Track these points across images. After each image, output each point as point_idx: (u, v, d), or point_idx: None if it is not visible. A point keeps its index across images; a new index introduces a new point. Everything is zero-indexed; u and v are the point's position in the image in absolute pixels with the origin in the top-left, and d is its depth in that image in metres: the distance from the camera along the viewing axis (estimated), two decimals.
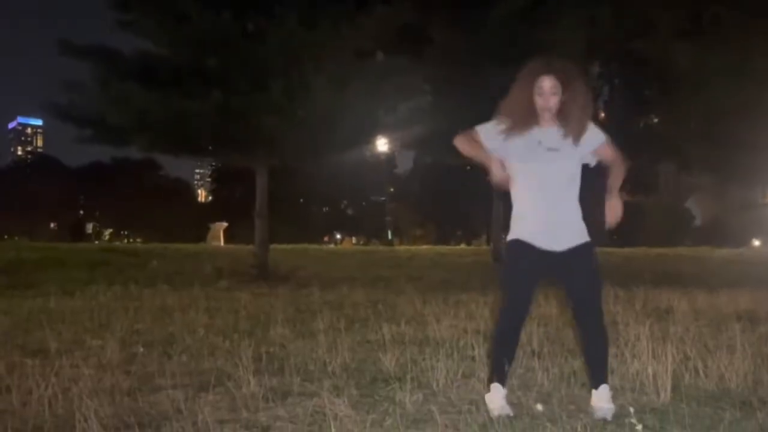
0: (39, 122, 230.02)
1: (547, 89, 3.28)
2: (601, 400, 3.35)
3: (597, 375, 3.41)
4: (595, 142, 3.40)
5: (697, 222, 53.87)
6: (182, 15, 12.61)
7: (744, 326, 5.93)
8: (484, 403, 3.50)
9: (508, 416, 3.28)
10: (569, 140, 3.32)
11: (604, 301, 3.47)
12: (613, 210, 3.42)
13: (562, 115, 3.31)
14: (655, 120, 21.15)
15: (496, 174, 3.40)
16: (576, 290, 3.40)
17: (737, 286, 9.93)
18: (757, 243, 42.49)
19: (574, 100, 3.29)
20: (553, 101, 3.29)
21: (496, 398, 3.39)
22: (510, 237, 3.46)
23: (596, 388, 3.38)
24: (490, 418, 3.24)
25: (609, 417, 3.25)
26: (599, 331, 3.41)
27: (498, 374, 3.43)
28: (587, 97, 3.37)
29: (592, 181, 3.43)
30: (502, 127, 3.39)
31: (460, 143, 3.49)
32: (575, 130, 3.31)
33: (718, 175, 21.58)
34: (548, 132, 3.34)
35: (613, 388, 3.85)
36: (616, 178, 3.46)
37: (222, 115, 12.32)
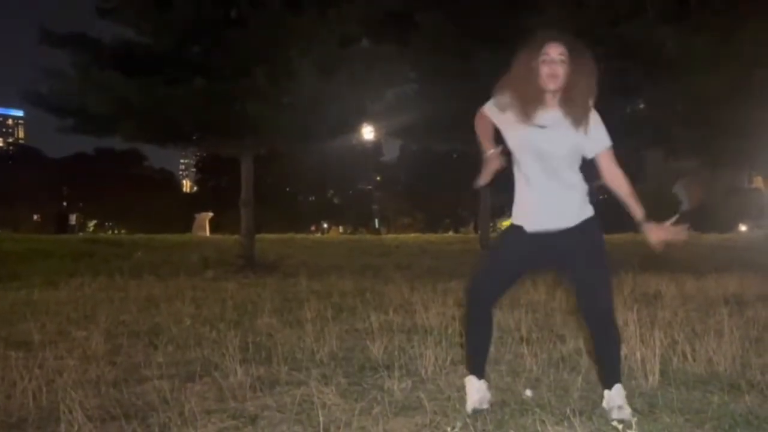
0: (20, 113, 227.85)
1: (556, 55, 3.00)
2: (615, 399, 3.07)
3: (608, 374, 3.14)
4: (596, 145, 3.12)
5: (684, 207, 54.17)
6: (163, 2, 12.48)
7: (731, 310, 5.95)
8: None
9: (482, 410, 3.14)
10: (570, 121, 3.05)
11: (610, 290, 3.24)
12: (657, 232, 3.09)
13: (565, 94, 3.04)
14: (642, 105, 21.15)
15: (488, 160, 3.21)
16: (577, 276, 3.12)
17: (724, 271, 9.97)
18: (743, 228, 42.77)
19: (581, 77, 3.02)
20: (561, 70, 3.00)
21: (471, 391, 3.23)
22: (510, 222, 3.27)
23: (609, 388, 3.10)
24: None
25: (628, 417, 2.94)
26: (607, 326, 3.10)
27: (472, 364, 3.27)
28: (594, 77, 3.08)
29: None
30: (504, 101, 3.16)
31: (477, 123, 3.31)
32: (578, 112, 3.04)
33: (705, 160, 21.64)
34: (550, 114, 3.07)
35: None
36: (623, 194, 3.15)
37: (205, 102, 12.22)
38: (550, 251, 3.14)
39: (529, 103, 3.07)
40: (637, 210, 3.14)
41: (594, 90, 3.08)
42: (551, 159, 3.09)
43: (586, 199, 3.19)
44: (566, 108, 3.06)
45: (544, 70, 3.02)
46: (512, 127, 3.15)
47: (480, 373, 3.25)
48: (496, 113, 3.21)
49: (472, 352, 3.29)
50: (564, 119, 3.07)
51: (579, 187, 3.17)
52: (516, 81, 3.10)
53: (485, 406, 3.18)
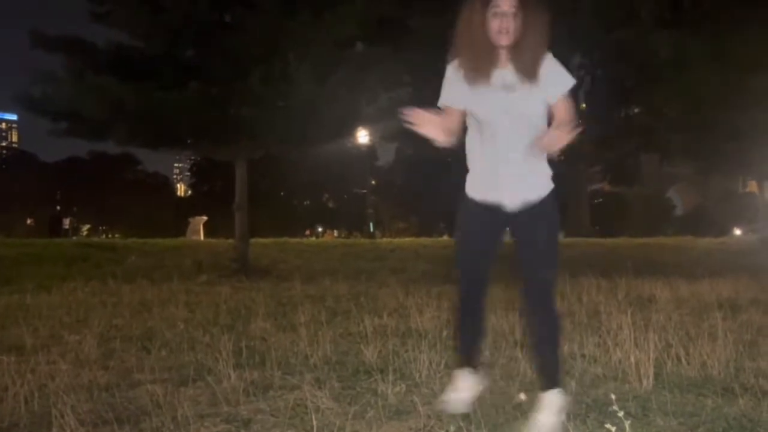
0: (14, 117, 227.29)
1: (507, 7, 2.75)
2: (548, 408, 2.89)
3: (547, 374, 2.95)
4: (555, 89, 2.87)
5: (679, 211, 54.37)
6: (157, 5, 12.47)
7: (725, 314, 5.95)
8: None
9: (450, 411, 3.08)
10: (525, 78, 2.83)
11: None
12: (551, 138, 2.74)
13: (516, 46, 2.80)
14: (637, 110, 21.24)
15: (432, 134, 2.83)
16: (525, 256, 2.93)
17: (719, 275, 9.99)
18: (738, 232, 42.93)
19: (532, 29, 2.78)
20: (513, 24, 2.77)
21: (458, 386, 3.19)
22: (463, 193, 3.05)
23: (544, 390, 2.92)
24: (474, 408, 3.20)
25: None
26: (548, 313, 2.92)
27: (463, 355, 3.19)
28: (545, 26, 2.83)
29: None
30: (460, 73, 2.91)
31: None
32: (529, 62, 2.80)
33: (699, 164, 21.73)
34: (505, 72, 2.85)
35: (595, 377, 3.86)
36: (559, 127, 2.80)
37: (200, 106, 12.21)
38: (511, 227, 2.98)
39: (481, 62, 2.85)
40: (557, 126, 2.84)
41: (546, 42, 2.86)
42: (510, 124, 2.87)
43: (545, 173, 2.99)
44: (517, 63, 2.83)
45: (495, 24, 2.79)
46: (475, 94, 2.91)
47: (472, 363, 3.20)
48: (462, 96, 2.95)
49: (463, 341, 3.19)
50: (520, 77, 2.85)
51: (539, 159, 2.94)
52: (465, 38, 2.87)
53: (458, 407, 3.13)
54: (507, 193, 2.93)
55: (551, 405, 2.91)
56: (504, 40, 2.80)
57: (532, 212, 2.93)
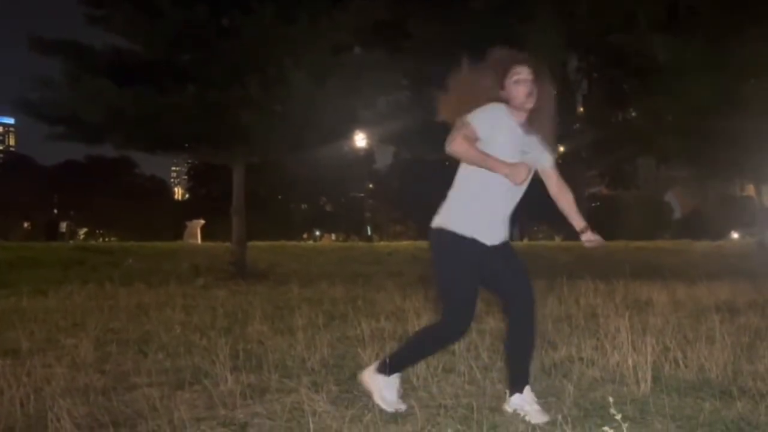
0: (11, 121, 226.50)
1: (527, 75, 3.02)
2: (530, 401, 3.16)
3: (522, 377, 3.20)
4: (552, 155, 3.24)
5: (677, 215, 54.41)
6: (155, 10, 12.47)
7: (723, 317, 5.96)
8: (465, 397, 3.47)
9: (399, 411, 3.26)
10: (536, 143, 3.13)
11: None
12: (595, 240, 3.25)
13: (534, 117, 3.08)
14: (634, 113, 21.25)
15: (513, 172, 2.94)
16: (512, 278, 3.18)
17: (716, 278, 10.00)
18: (735, 235, 43.00)
19: (546, 100, 3.07)
20: (536, 88, 3.02)
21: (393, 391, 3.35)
22: (451, 228, 3.13)
23: (521, 392, 3.17)
24: (471, 412, 3.20)
25: (541, 420, 3.06)
26: (533, 324, 3.19)
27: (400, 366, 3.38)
28: (554, 102, 3.14)
29: None
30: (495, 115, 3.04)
31: (460, 147, 2.98)
32: (548, 135, 3.13)
33: (696, 168, 21.76)
34: (526, 137, 3.10)
35: (593, 380, 3.85)
36: (569, 205, 3.29)
37: (197, 111, 12.20)
38: (489, 262, 3.17)
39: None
40: (578, 220, 3.28)
41: (555, 114, 3.14)
42: (523, 181, 3.06)
43: None
44: (537, 131, 3.12)
45: (521, 90, 3.03)
46: (500, 147, 3.01)
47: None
48: (487, 128, 3.02)
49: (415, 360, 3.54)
50: (537, 143, 3.14)
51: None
52: (479, 97, 3.06)
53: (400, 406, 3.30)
54: (494, 233, 3.16)
55: (533, 398, 3.19)
56: (530, 103, 3.05)
57: (503, 245, 3.21)
